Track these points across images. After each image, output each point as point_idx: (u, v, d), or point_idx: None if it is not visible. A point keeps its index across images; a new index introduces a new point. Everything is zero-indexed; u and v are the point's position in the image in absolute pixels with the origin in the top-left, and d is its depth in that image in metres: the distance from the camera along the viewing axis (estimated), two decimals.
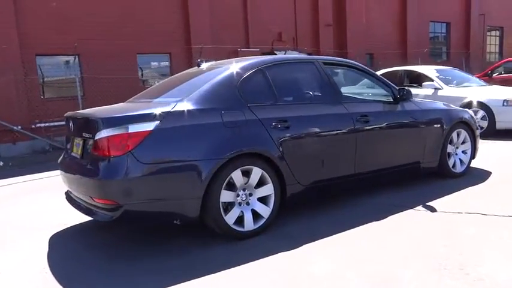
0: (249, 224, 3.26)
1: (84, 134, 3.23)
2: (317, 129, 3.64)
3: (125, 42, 11.02)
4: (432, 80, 8.72)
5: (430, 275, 2.50)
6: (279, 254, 2.96)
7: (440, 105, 4.86)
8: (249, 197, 3.31)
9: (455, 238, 3.06)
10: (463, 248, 2.87)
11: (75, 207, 3.51)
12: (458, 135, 4.79)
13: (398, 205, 3.88)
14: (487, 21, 21.74)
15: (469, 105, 7.75)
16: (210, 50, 11.40)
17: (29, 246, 3.47)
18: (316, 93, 3.91)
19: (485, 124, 7.67)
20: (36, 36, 10.00)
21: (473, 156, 4.98)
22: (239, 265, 2.83)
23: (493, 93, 8.03)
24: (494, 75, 11.88)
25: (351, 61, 4.36)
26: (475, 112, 7.52)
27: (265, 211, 3.34)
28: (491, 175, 4.83)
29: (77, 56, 9.78)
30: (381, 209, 3.80)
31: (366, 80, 5.19)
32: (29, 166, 8.06)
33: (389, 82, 4.39)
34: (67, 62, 10.72)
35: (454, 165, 4.77)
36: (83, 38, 10.32)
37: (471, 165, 5.00)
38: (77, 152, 3.39)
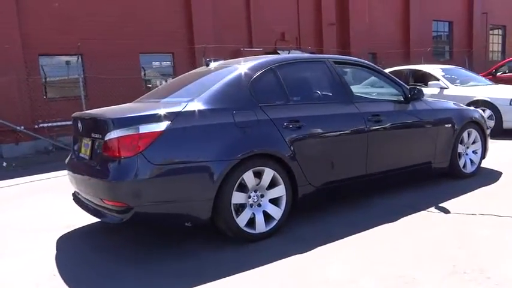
0: (260, 226, 3.20)
1: (93, 135, 3.17)
2: (329, 130, 3.58)
3: (128, 42, 10.96)
4: (438, 79, 8.66)
5: (450, 279, 2.44)
6: (292, 257, 2.90)
7: (450, 104, 4.80)
8: (261, 199, 3.25)
9: (471, 240, 3.00)
10: (480, 251, 2.81)
11: (83, 208, 3.45)
12: (469, 135, 4.73)
13: (410, 206, 3.82)
14: (489, 20, 21.67)
15: (475, 104, 7.68)
16: (213, 49, 11.34)
17: (36, 249, 3.41)
18: (327, 93, 3.85)
19: (492, 123, 7.60)
20: (39, 36, 9.95)
21: (483, 156, 4.92)
22: (252, 268, 2.77)
23: (499, 92, 7.97)
24: (498, 74, 11.80)
25: (362, 60, 4.30)
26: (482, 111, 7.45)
27: (276, 213, 3.28)
28: (502, 175, 4.77)
29: (79, 56, 9.71)
30: (393, 211, 3.74)
31: (372, 79, 5.14)
32: (32, 166, 8.00)
33: (400, 81, 4.33)
34: (70, 62, 10.65)
35: (464, 166, 4.71)
36: (86, 37, 10.26)
37: (481, 165, 4.93)
38: (85, 152, 3.34)
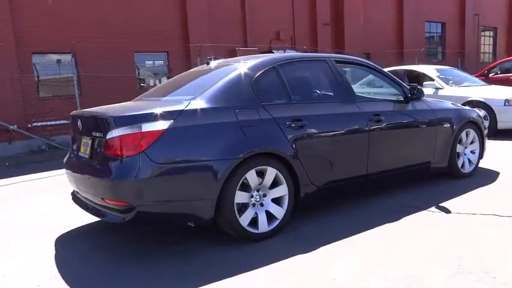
0: (263, 226, 3.18)
1: (93, 133, 3.13)
2: (331, 129, 3.58)
3: (122, 40, 10.87)
4: (433, 80, 8.72)
5: (456, 279, 2.44)
6: (296, 256, 2.89)
7: (449, 104, 4.82)
8: (263, 198, 3.23)
9: (474, 240, 3.00)
10: (483, 251, 2.81)
11: (82, 208, 3.41)
12: (467, 135, 4.75)
13: (411, 206, 3.83)
14: (481, 22, 21.87)
15: (470, 104, 7.72)
16: (208, 48, 11.29)
17: (35, 249, 3.36)
18: (329, 92, 3.84)
19: (486, 124, 7.62)
20: (32, 34, 9.83)
21: (481, 156, 4.94)
22: (256, 268, 2.74)
23: (494, 93, 8.03)
24: (490, 75, 11.91)
25: (362, 59, 4.31)
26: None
27: (279, 212, 3.27)
28: (500, 175, 4.80)
29: (73, 54, 9.60)
30: (393, 210, 3.74)
31: (368, 78, 5.14)
32: (25, 166, 7.91)
33: (400, 81, 4.34)
34: (63, 60, 10.53)
35: (463, 166, 4.73)
36: (80, 36, 10.15)
37: (479, 165, 4.96)
38: (85, 151, 3.29)
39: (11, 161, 8.38)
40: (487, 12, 21.88)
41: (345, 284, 2.47)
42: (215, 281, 2.60)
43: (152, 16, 11.60)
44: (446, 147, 4.48)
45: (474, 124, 4.81)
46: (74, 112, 3.59)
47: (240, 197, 3.07)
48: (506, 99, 7.65)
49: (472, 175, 4.79)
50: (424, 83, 8.67)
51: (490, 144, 5.12)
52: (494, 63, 12.88)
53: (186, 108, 2.98)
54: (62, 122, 9.76)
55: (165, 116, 2.90)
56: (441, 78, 8.76)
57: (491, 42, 23.91)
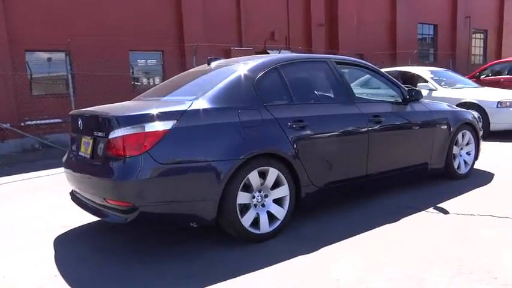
0: (264, 226, 3.19)
1: (95, 133, 3.11)
2: (332, 130, 3.60)
3: (117, 38, 10.81)
4: (426, 81, 8.79)
5: (458, 279, 2.47)
6: (298, 257, 2.90)
7: (445, 106, 4.87)
8: (265, 199, 3.24)
9: (472, 241, 3.04)
10: (483, 251, 2.85)
11: (82, 207, 3.39)
12: (463, 136, 4.81)
13: (409, 207, 3.86)
14: (472, 24, 22.10)
15: (463, 106, 7.80)
16: (204, 48, 11.25)
17: (34, 249, 3.33)
18: (329, 93, 3.86)
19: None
20: (26, 32, 9.74)
21: (476, 158, 5.00)
22: (259, 269, 2.75)
23: (487, 95, 8.13)
24: (482, 77, 12.05)
25: (362, 61, 4.34)
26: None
27: (280, 213, 3.28)
28: (494, 176, 4.87)
29: (67, 53, 9.51)
30: (392, 211, 3.77)
31: (368, 79, 5.17)
32: (18, 165, 7.83)
33: (399, 83, 4.37)
34: (57, 58, 10.43)
35: (458, 167, 4.79)
36: (74, 34, 10.07)
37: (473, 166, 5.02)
38: (85, 151, 3.27)
39: (3, 159, 8.30)
40: (478, 15, 22.12)
41: (348, 285, 2.49)
42: (218, 282, 2.60)
43: (147, 15, 11.55)
44: (443, 149, 4.53)
45: (470, 126, 4.87)
46: (74, 111, 3.56)
47: (242, 197, 3.08)
48: (499, 101, 7.75)
49: (468, 176, 4.85)
50: (418, 84, 8.73)
51: (483, 145, 5.19)
52: (486, 66, 13.03)
53: (189, 109, 2.98)
54: (56, 120, 9.69)
55: (168, 116, 2.90)
56: (435, 80, 8.85)
57: (482, 45, 24.19)
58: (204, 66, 4.02)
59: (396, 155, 4.12)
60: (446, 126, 4.52)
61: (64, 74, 9.86)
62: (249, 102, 3.23)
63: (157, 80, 12.49)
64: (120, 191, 2.82)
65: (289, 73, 3.57)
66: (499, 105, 7.73)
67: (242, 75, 3.35)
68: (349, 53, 14.89)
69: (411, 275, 2.56)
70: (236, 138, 3.05)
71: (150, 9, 11.66)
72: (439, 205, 3.88)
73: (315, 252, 2.97)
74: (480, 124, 7.63)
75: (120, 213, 2.91)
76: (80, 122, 3.36)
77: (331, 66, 3.85)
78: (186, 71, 4.27)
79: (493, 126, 7.72)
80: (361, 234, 3.27)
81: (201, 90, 3.25)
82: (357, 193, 4.17)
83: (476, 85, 9.42)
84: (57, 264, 3.03)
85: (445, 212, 3.71)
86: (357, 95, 4.02)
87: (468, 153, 4.93)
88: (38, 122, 9.68)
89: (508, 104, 7.74)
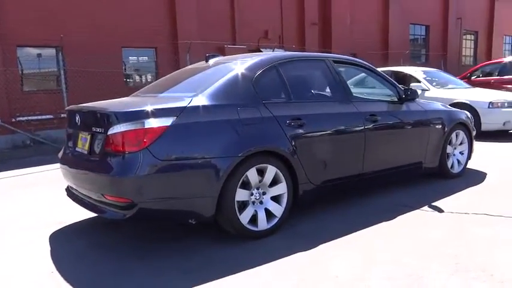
0: (262, 223, 3.20)
1: (93, 129, 3.08)
2: (329, 128, 3.62)
3: (110, 35, 10.73)
4: (419, 81, 8.87)
5: (455, 277, 2.50)
6: (296, 254, 2.91)
7: (440, 106, 4.92)
8: (263, 196, 3.25)
9: (468, 239, 3.08)
10: (478, 249, 2.89)
11: (78, 203, 3.37)
12: (456, 136, 4.86)
13: (404, 205, 3.90)
14: (463, 26, 22.30)
15: (455, 106, 7.89)
16: (197, 45, 11.22)
17: (30, 246, 3.30)
18: (327, 91, 3.88)
19: None
20: (17, 27, 9.61)
21: (469, 157, 5.07)
22: (258, 265, 2.75)
23: (478, 96, 8.23)
24: (472, 78, 12.19)
25: (359, 60, 4.36)
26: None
27: (278, 210, 3.29)
28: (487, 176, 4.93)
29: (60, 48, 9.41)
30: (387, 209, 3.81)
31: (365, 78, 5.21)
32: (10, 161, 7.75)
33: (395, 82, 4.41)
34: (49, 54, 10.33)
35: (452, 166, 4.84)
36: (67, 29, 9.97)
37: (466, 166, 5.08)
38: (83, 147, 3.25)
39: None
40: (469, 16, 22.32)
41: (347, 282, 2.51)
42: (217, 278, 2.60)
43: (141, 11, 11.47)
44: (438, 148, 4.58)
45: (463, 125, 4.93)
46: (71, 107, 3.53)
47: (241, 194, 3.08)
48: (490, 102, 7.85)
49: (461, 175, 4.91)
50: (411, 84, 8.79)
51: (475, 145, 5.26)
52: (476, 67, 13.17)
53: (188, 105, 2.98)
54: (47, 116, 9.60)
55: (168, 112, 2.89)
56: (427, 80, 8.93)
57: (473, 46, 24.42)
58: (202, 63, 4.01)
59: (392, 153, 4.16)
60: (440, 126, 4.57)
61: (56, 70, 9.76)
62: (248, 99, 3.24)
63: (149, 77, 12.43)
64: (119, 187, 2.80)
65: (288, 71, 3.58)
66: (490, 106, 7.83)
67: (241, 72, 3.35)
68: (342, 52, 14.97)
69: (409, 272, 2.59)
70: (235, 136, 3.05)
71: (144, 5, 11.58)
72: (433, 204, 3.93)
73: (312, 250, 2.98)
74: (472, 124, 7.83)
75: (119, 209, 2.90)
76: (77, 118, 3.33)
77: (328, 64, 3.86)
78: (184, 68, 4.26)
79: (484, 127, 7.82)
80: (357, 232, 3.29)
81: (200, 87, 3.24)
82: (353, 191, 4.20)
83: (468, 86, 9.53)
84: (53, 260, 3.00)
85: (440, 210, 3.75)
86: (354, 94, 4.04)
87: (461, 153, 4.99)
88: (29, 118, 9.58)
89: (499, 104, 7.85)
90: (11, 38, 9.54)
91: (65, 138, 3.67)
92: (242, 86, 3.28)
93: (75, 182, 3.35)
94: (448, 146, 4.75)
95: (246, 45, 13.11)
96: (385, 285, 2.45)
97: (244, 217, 3.10)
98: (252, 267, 2.73)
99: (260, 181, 3.20)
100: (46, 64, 10.45)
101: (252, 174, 3.11)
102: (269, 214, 3.26)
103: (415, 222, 3.50)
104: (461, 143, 4.96)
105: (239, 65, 3.47)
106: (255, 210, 3.19)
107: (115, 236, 3.44)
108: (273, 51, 12.66)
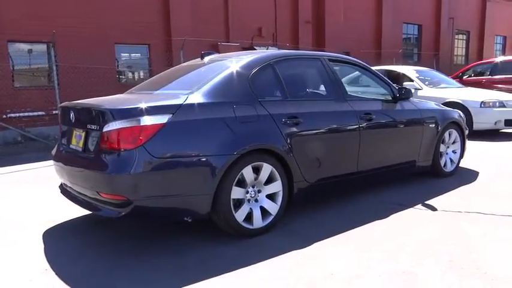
0: (257, 221, 3.20)
1: (88, 126, 3.06)
2: (325, 127, 3.62)
3: (102, 31, 10.65)
4: (412, 80, 8.92)
5: (449, 274, 2.52)
6: (291, 252, 2.92)
7: (433, 105, 4.96)
8: (258, 194, 3.25)
9: (462, 236, 3.11)
10: (472, 247, 2.92)
11: (72, 201, 3.34)
12: (449, 135, 4.90)
13: (397, 203, 3.92)
14: (455, 25, 22.47)
15: (447, 106, 7.95)
16: (191, 43, 11.16)
17: (22, 243, 3.27)
18: (322, 90, 3.89)
19: None
20: (9, 22, 9.49)
21: (462, 156, 5.11)
22: (253, 263, 2.76)
23: (470, 95, 8.30)
24: (464, 77, 12.29)
25: (354, 59, 4.37)
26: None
27: (273, 208, 3.29)
28: (479, 174, 4.98)
29: (52, 44, 9.30)
30: (380, 208, 3.83)
31: (359, 77, 5.23)
32: (0, 158, 7.65)
33: (389, 81, 4.43)
34: (41, 50, 10.22)
35: (445, 165, 4.88)
36: (59, 25, 9.85)
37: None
38: (77, 144, 3.22)
39: None
40: (461, 16, 22.49)
41: (343, 279, 2.52)
42: (214, 276, 2.60)
43: (134, 8, 11.39)
44: (431, 147, 4.61)
45: (456, 125, 4.97)
46: (65, 103, 3.50)
47: (236, 192, 3.08)
48: (482, 101, 7.92)
49: (453, 174, 4.96)
50: (404, 83, 8.84)
51: (466, 144, 5.31)
52: (468, 66, 13.28)
53: (184, 103, 2.96)
54: (39, 113, 9.51)
55: (164, 110, 2.88)
56: (420, 79, 8.98)
57: (464, 46, 24.61)
58: (198, 61, 3.99)
59: (386, 152, 4.18)
60: (434, 125, 4.61)
61: (48, 66, 9.65)
62: (244, 97, 3.23)
63: (142, 74, 12.36)
64: (114, 185, 2.79)
65: (284, 69, 3.58)
66: (482, 105, 7.91)
67: (237, 70, 3.34)
68: (335, 50, 15.00)
69: (404, 270, 2.61)
70: (232, 133, 3.04)
71: (137, 2, 11.50)
72: (426, 202, 3.96)
73: (307, 247, 2.99)
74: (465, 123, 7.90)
75: (114, 207, 2.88)
76: (71, 115, 3.31)
77: (324, 63, 3.87)
78: (179, 65, 4.24)
79: (476, 126, 7.89)
80: (352, 230, 3.31)
81: (196, 85, 3.23)
82: (347, 189, 4.21)
83: (460, 85, 9.61)
84: (47, 258, 2.98)
85: (433, 208, 3.79)
86: (349, 93, 4.05)
87: (454, 152, 5.03)
88: (21, 114, 9.48)
89: (490, 104, 7.92)
90: (2, 33, 9.41)
91: (59, 135, 3.64)
92: (238, 84, 3.27)
93: (69, 180, 3.32)
94: (441, 144, 4.79)
95: (240, 42, 13.09)
96: (380, 282, 2.47)
97: (240, 215, 3.10)
98: (247, 265, 2.74)
99: (255, 179, 3.20)
100: (38, 60, 10.35)
101: (247, 172, 3.11)
102: (264, 212, 3.26)
103: (409, 220, 3.52)
104: (454, 142, 5.00)
105: (235, 62, 3.46)
106: (250, 208, 3.19)
107: (110, 233, 3.42)
108: (267, 49, 12.65)
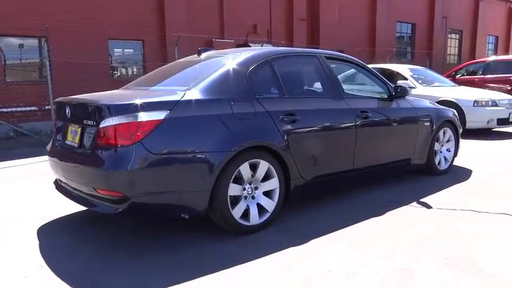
0: (254, 218, 3.20)
1: (84, 122, 3.04)
2: (322, 124, 3.63)
3: (96, 26, 10.56)
4: (406, 79, 8.95)
5: (446, 271, 2.54)
6: (288, 249, 2.92)
7: (428, 103, 4.98)
8: (255, 191, 3.25)
9: (457, 234, 3.14)
10: (467, 244, 2.94)
11: (67, 197, 3.32)
12: (444, 133, 4.94)
13: (393, 201, 3.94)
14: (448, 25, 22.60)
15: (440, 104, 8.00)
16: (185, 39, 11.11)
17: (16, 240, 3.24)
18: (319, 87, 3.90)
19: None
20: (1, 16, 9.37)
21: (455, 154, 5.15)
22: (250, 260, 2.76)
23: (464, 94, 8.36)
24: (457, 76, 12.38)
25: (351, 57, 4.37)
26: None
27: (270, 205, 3.30)
28: (473, 173, 5.02)
29: (46, 39, 9.20)
30: (376, 205, 3.84)
31: (355, 75, 5.24)
32: None
33: (385, 79, 4.44)
34: (33, 44, 10.11)
35: (439, 163, 4.92)
36: (52, 20, 9.74)
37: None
38: (73, 140, 3.20)
39: None
40: (454, 15, 22.63)
41: (340, 276, 2.53)
42: (211, 272, 2.59)
43: (128, 3, 11.31)
44: (426, 145, 4.64)
45: (450, 123, 5.01)
46: (60, 99, 3.47)
47: (233, 189, 3.07)
48: (475, 100, 7.99)
49: (448, 172, 5.00)
50: (398, 81, 8.87)
51: (461, 143, 5.35)
52: (461, 65, 13.36)
53: (182, 99, 2.95)
54: (32, 108, 9.41)
55: (161, 106, 2.86)
56: (414, 78, 9.03)
57: (457, 45, 24.78)
58: (194, 57, 3.97)
59: (382, 149, 4.20)
60: (429, 123, 4.64)
61: (38, 61, 9.55)
62: (242, 94, 3.23)
63: (136, 69, 12.28)
64: (111, 181, 2.77)
65: (281, 66, 3.58)
66: (475, 104, 7.97)
67: (235, 67, 3.33)
68: (330, 48, 15.01)
69: (400, 267, 2.62)
70: (229, 130, 3.04)
71: None
72: (421, 200, 3.98)
73: (304, 244, 3.00)
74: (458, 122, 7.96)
75: (110, 203, 2.87)
76: (67, 110, 3.28)
77: (321, 61, 3.87)
78: (176, 61, 4.21)
79: (469, 124, 7.95)
80: (348, 227, 3.32)
81: (194, 81, 3.22)
82: (343, 187, 4.23)
83: (453, 84, 9.67)
84: (42, 254, 2.96)
85: (428, 206, 3.81)
86: (345, 90, 4.06)
87: (448, 150, 5.07)
88: (13, 109, 9.38)
89: (483, 103, 7.99)
90: None
91: (54, 130, 3.61)
92: (236, 81, 3.26)
93: (64, 175, 3.29)
94: (436, 143, 4.82)
95: (235, 39, 13.05)
96: (377, 279, 2.48)
97: (237, 212, 3.10)
98: (244, 262, 2.74)
99: (252, 176, 3.20)
100: (30, 54, 10.24)
101: (244, 169, 3.11)
102: (261, 209, 3.26)
103: (405, 218, 3.54)
104: (448, 140, 5.04)
105: (232, 59, 3.45)
106: (247, 205, 3.19)
107: (105, 229, 3.40)
108: (261, 46, 12.63)
